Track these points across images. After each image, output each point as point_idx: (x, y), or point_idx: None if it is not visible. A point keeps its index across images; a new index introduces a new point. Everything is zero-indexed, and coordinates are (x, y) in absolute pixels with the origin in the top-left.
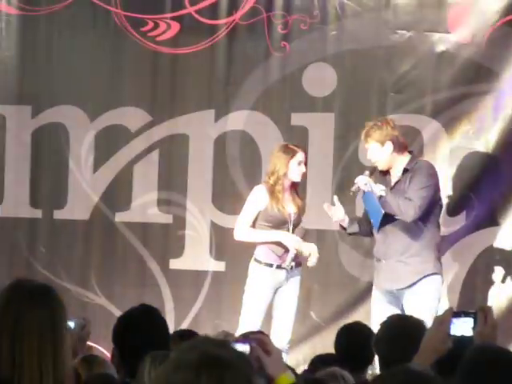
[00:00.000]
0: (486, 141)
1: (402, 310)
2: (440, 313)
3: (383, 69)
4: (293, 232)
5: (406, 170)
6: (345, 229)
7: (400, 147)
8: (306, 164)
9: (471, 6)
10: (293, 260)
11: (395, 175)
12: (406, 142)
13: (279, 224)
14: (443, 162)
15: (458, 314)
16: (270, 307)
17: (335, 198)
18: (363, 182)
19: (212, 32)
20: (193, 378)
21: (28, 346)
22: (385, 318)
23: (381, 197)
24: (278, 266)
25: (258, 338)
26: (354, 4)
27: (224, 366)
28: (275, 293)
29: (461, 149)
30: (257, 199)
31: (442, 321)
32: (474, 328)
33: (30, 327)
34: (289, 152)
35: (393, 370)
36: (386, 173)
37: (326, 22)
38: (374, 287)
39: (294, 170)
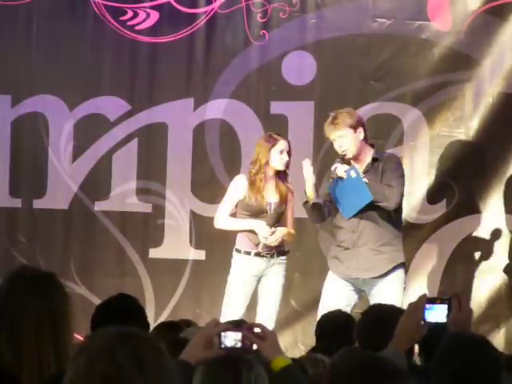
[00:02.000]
0: (467, 128)
1: (360, 298)
2: (412, 300)
3: (363, 57)
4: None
5: (375, 159)
6: (307, 202)
7: (367, 136)
8: (289, 153)
9: None
10: (265, 248)
11: (362, 165)
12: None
13: (257, 213)
14: (424, 149)
15: (432, 300)
16: (255, 296)
17: (306, 160)
18: (343, 169)
19: (191, 21)
20: (109, 361)
21: (27, 334)
22: (344, 306)
23: (365, 183)
24: (257, 254)
25: (250, 325)
26: None
27: (135, 337)
28: (259, 281)
29: (441, 137)
30: (236, 188)
31: (416, 307)
32: (448, 315)
33: (29, 315)
34: (270, 141)
35: (347, 356)
36: (348, 164)
37: (305, 10)
38: (332, 275)
39: (276, 159)
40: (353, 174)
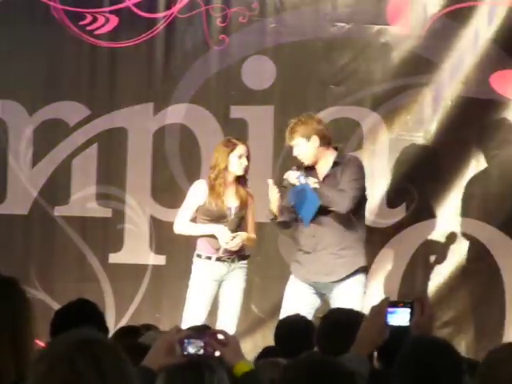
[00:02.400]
0: (426, 132)
1: (322, 302)
2: (373, 304)
3: (322, 61)
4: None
5: (335, 164)
6: (275, 218)
7: (326, 141)
8: (248, 158)
9: None
10: (225, 252)
11: (323, 170)
12: (331, 136)
13: (218, 218)
14: (383, 153)
15: (394, 304)
16: (216, 301)
17: (269, 180)
18: (294, 176)
19: (150, 25)
20: (68, 368)
21: None
22: (305, 310)
23: (315, 189)
24: (218, 259)
25: (212, 332)
26: None
27: (95, 344)
28: (220, 286)
29: (400, 140)
30: (196, 193)
31: (379, 311)
32: (410, 318)
33: None
34: (229, 145)
35: (298, 360)
36: (310, 169)
37: (264, 14)
38: (293, 279)
39: (235, 163)
40: (302, 180)
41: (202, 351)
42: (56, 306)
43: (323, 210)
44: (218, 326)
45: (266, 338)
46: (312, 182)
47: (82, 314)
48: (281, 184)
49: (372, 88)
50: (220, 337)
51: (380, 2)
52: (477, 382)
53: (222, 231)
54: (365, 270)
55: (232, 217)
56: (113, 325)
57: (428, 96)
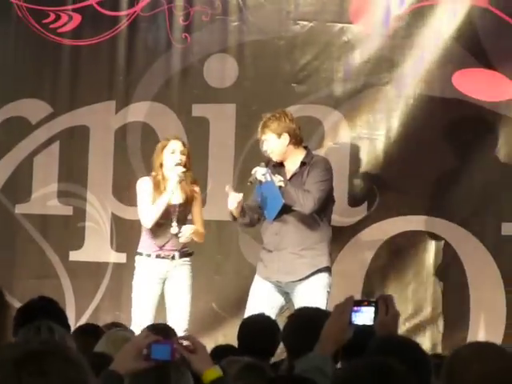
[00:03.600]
0: (388, 130)
1: (287, 301)
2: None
3: (285, 59)
4: (178, 224)
5: (303, 164)
6: (235, 219)
7: (296, 140)
8: (184, 153)
9: None
10: (167, 248)
11: (291, 168)
12: (302, 136)
13: (164, 215)
14: (345, 151)
15: (359, 303)
16: (164, 299)
17: (227, 187)
18: (261, 172)
19: (113, 23)
20: (13, 377)
21: None
22: (269, 309)
23: (280, 187)
24: (158, 256)
25: (180, 337)
26: None
27: (42, 355)
28: (163, 284)
29: (362, 139)
30: (146, 189)
31: (343, 310)
32: (375, 317)
33: None
34: (163, 143)
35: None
36: (279, 166)
37: (227, 13)
38: (258, 278)
39: (168, 159)
40: (268, 177)
41: (169, 356)
42: (16, 304)
43: (288, 209)
44: (169, 323)
45: (226, 336)
46: (277, 180)
47: (44, 312)
48: (248, 180)
49: (334, 86)
50: (187, 343)
51: (343, 0)
52: (442, 382)
53: (170, 187)
54: (328, 269)
55: (177, 213)
56: (73, 322)
57: (390, 94)
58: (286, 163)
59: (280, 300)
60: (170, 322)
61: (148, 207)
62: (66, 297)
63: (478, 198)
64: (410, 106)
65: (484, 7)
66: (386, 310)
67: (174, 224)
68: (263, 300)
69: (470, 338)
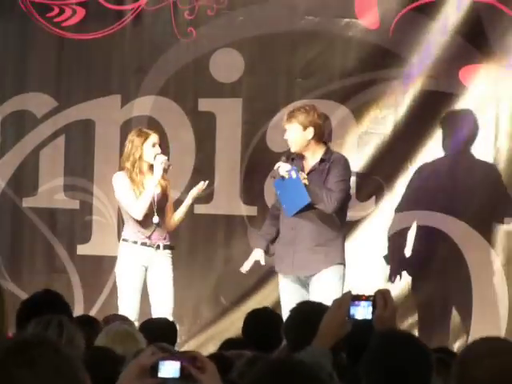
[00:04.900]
0: (395, 126)
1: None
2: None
3: (291, 54)
4: (157, 214)
5: (322, 160)
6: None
7: (319, 137)
8: (161, 146)
9: None
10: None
11: (310, 163)
12: (325, 133)
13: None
14: (352, 147)
15: (357, 297)
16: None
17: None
18: (285, 169)
19: (118, 18)
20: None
21: None
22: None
23: (305, 185)
24: (143, 244)
25: (190, 356)
26: None
27: (31, 346)
28: (146, 272)
29: (369, 134)
30: (125, 183)
31: (341, 304)
32: (373, 312)
33: None
34: (142, 135)
35: (260, 363)
36: (298, 160)
37: (233, 7)
38: (280, 275)
39: (149, 153)
40: (293, 174)
41: (177, 374)
42: (25, 297)
43: (307, 206)
44: (153, 314)
45: (233, 329)
46: (302, 178)
47: (48, 305)
48: (270, 175)
49: (340, 81)
50: (196, 362)
51: None
52: (453, 380)
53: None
54: (342, 266)
55: (155, 206)
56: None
57: (397, 90)
58: (306, 158)
59: (306, 293)
60: (155, 309)
61: (136, 201)
62: (74, 291)
63: (485, 195)
64: (417, 102)
65: (490, 3)
66: (384, 304)
67: (155, 213)
68: (293, 296)
69: (473, 334)
